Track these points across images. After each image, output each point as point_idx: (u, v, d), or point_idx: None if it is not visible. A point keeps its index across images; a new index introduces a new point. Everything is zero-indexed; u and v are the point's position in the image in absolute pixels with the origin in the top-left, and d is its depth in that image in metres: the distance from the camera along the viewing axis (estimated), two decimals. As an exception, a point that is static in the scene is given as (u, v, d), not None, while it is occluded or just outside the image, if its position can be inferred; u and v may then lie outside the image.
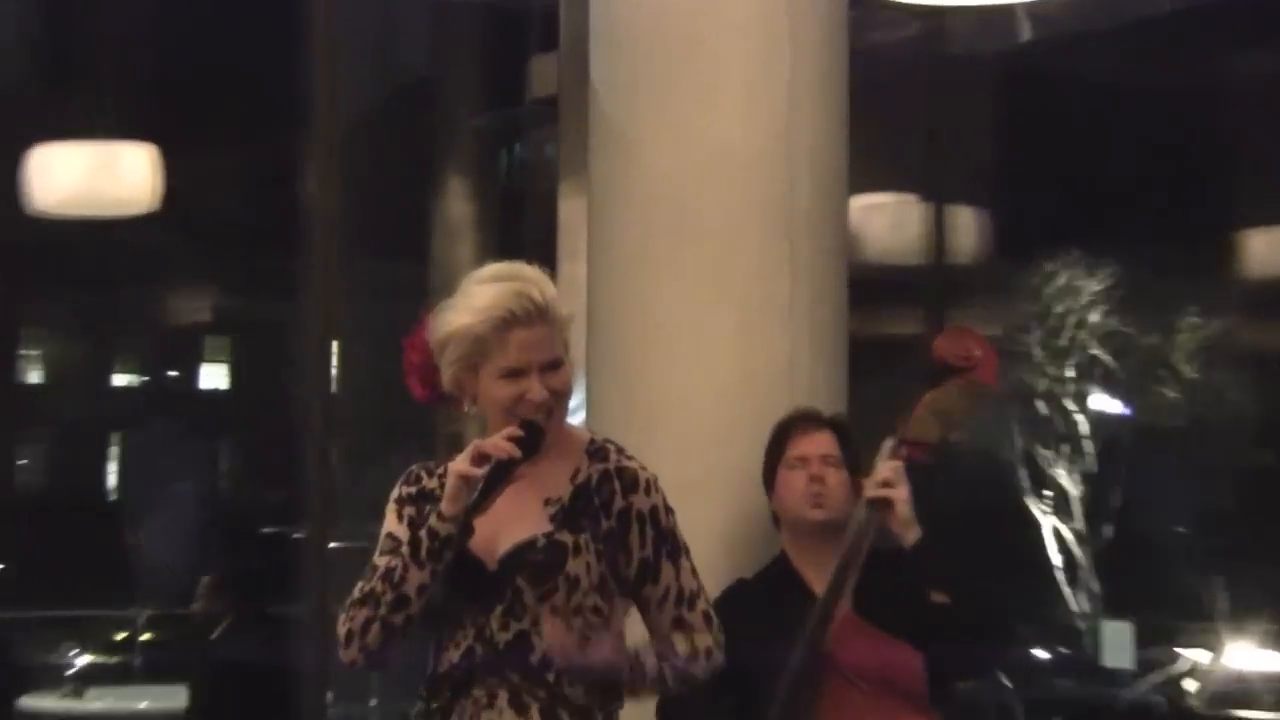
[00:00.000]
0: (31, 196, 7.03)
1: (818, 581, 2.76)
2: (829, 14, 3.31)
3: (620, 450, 2.27)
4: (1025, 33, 6.97)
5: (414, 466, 2.32)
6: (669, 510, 2.26)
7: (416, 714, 2.23)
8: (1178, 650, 10.24)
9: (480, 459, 2.14)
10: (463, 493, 2.14)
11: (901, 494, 2.68)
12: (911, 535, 2.69)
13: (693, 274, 3.19)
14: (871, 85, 3.71)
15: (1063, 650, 11.28)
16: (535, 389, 2.18)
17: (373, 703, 7.20)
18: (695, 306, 3.18)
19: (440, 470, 2.27)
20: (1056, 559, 13.10)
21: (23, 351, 18.05)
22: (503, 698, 2.16)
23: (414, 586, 2.14)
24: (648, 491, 2.23)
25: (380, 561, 2.20)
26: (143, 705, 7.13)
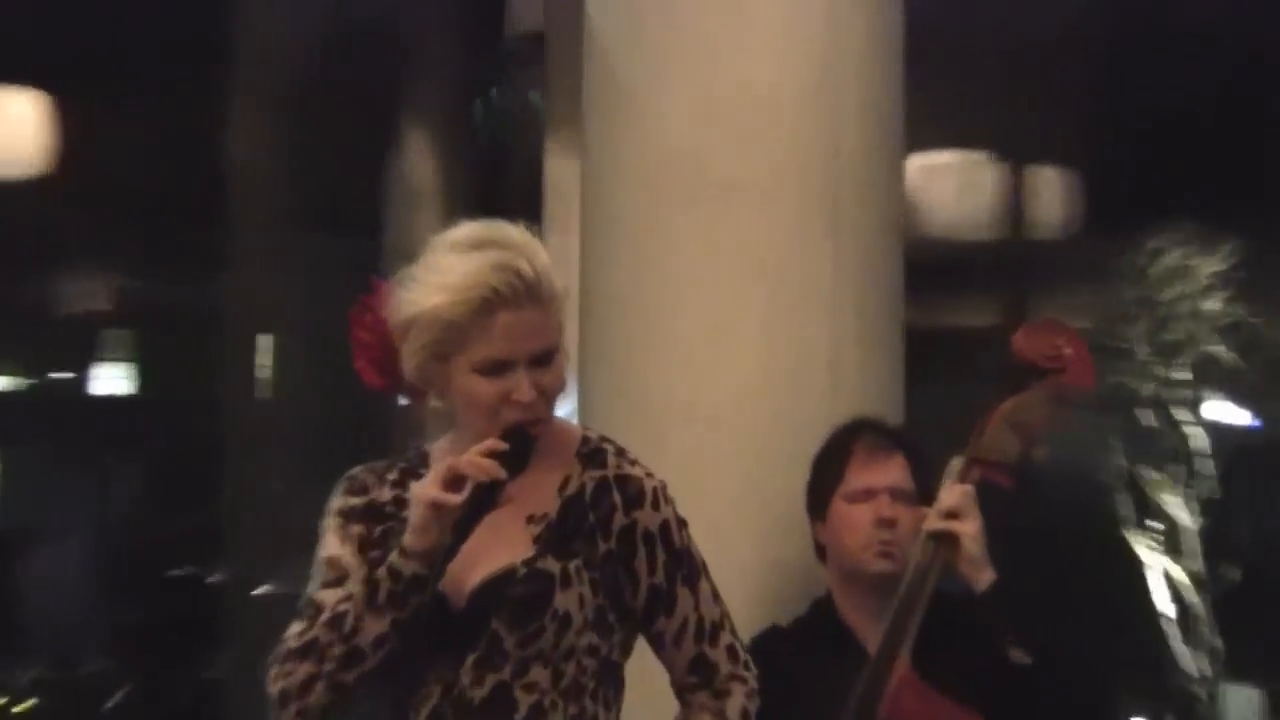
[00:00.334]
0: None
1: (870, 633, 2.77)
2: (880, -69, 3.34)
3: (620, 452, 2.27)
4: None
5: (356, 470, 2.29)
6: (682, 523, 2.26)
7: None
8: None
9: (455, 482, 2.10)
10: (434, 525, 2.09)
11: (971, 527, 2.70)
12: (983, 577, 2.71)
13: (712, 251, 3.21)
14: (933, 21, 3.72)
15: (1174, 724, 11.27)
16: (523, 388, 2.14)
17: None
18: (715, 291, 3.20)
19: (393, 475, 2.26)
20: (1167, 608, 13.06)
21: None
22: None
23: (370, 639, 2.11)
24: (656, 504, 2.23)
25: (323, 598, 2.18)
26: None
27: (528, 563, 2.18)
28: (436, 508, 2.10)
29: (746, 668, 2.26)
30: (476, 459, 2.11)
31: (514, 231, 2.18)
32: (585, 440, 2.27)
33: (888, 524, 2.83)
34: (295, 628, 2.18)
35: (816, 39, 3.23)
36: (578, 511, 2.21)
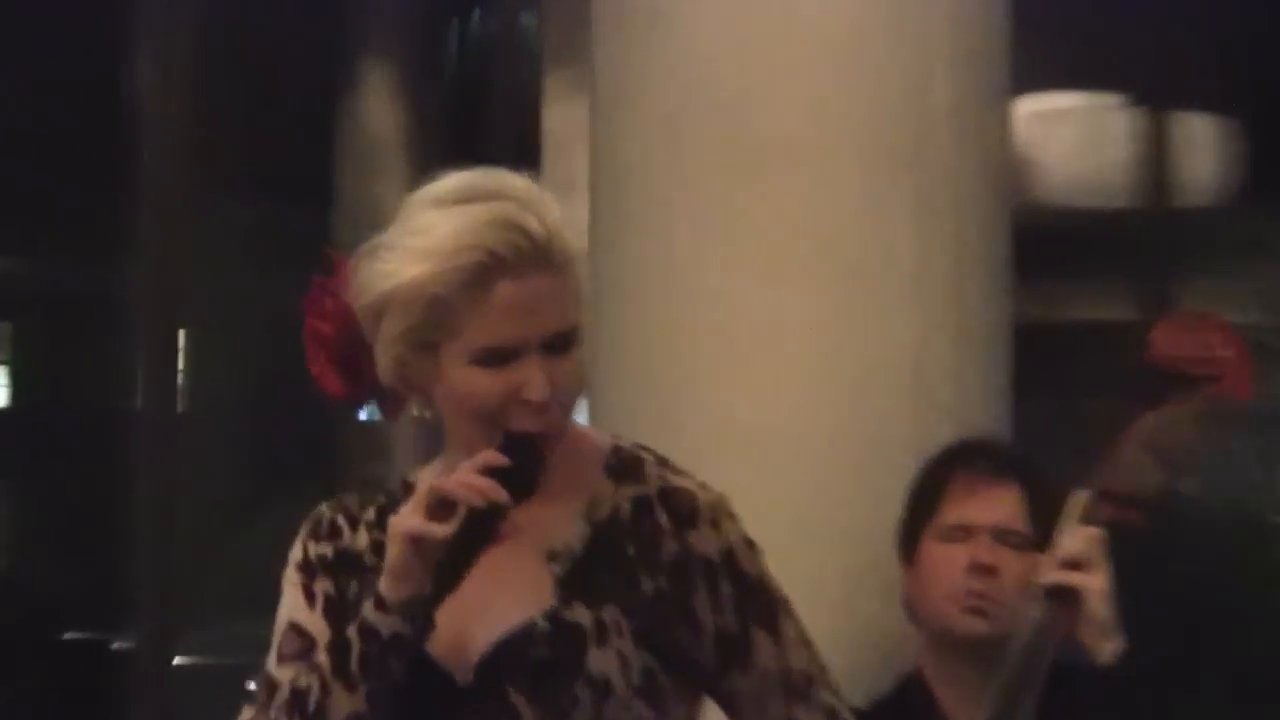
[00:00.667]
0: None
1: (966, 715, 2.79)
2: None
3: (663, 461, 2.25)
4: None
5: (324, 507, 2.28)
6: (752, 546, 2.23)
7: None
8: None
9: (441, 508, 2.07)
10: (415, 566, 2.08)
11: (1099, 582, 2.70)
12: (1108, 647, 2.71)
13: (759, 225, 3.22)
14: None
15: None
16: (536, 382, 2.11)
17: None
18: (765, 276, 3.21)
19: (369, 514, 2.25)
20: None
21: None
22: None
23: (341, 718, 2.12)
24: (715, 522, 2.20)
25: (281, 675, 2.17)
26: None
27: (550, 615, 2.15)
28: (418, 543, 2.07)
29: None
30: (468, 478, 2.08)
31: (515, 180, 2.15)
32: (616, 450, 2.25)
33: (984, 572, 2.84)
34: (245, 715, 2.18)
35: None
36: (612, 541, 2.18)
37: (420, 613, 2.09)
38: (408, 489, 2.24)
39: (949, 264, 3.24)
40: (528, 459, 2.11)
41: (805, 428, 3.16)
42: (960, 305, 3.25)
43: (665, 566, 2.18)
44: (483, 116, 8.95)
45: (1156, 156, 7.09)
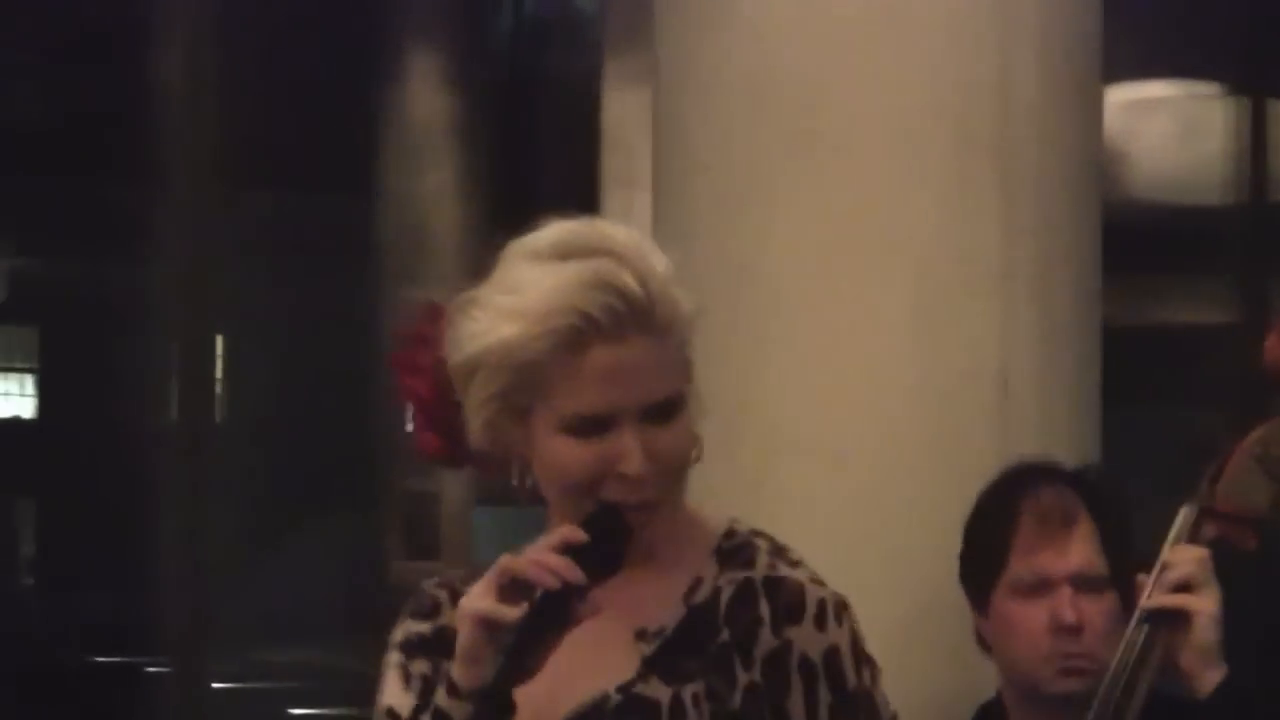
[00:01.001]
0: None
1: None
2: None
3: (778, 550, 2.23)
4: None
5: (427, 584, 2.27)
6: (864, 660, 2.20)
7: None
8: None
9: (513, 588, 2.05)
10: (485, 649, 2.05)
11: (1209, 604, 2.68)
12: (1211, 676, 2.69)
13: (832, 221, 3.21)
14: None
15: None
16: (632, 455, 2.10)
17: None
18: (838, 276, 3.21)
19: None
20: None
21: None
22: None
23: None
24: (821, 620, 2.17)
25: None
26: None
27: (624, 688, 2.16)
28: (488, 625, 2.05)
29: None
30: (542, 556, 2.06)
31: (618, 233, 2.15)
32: (731, 534, 2.24)
33: (1071, 632, 2.82)
34: None
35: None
36: (707, 624, 2.17)
37: (496, 697, 2.06)
38: None
39: (1035, 264, 3.24)
40: (613, 534, 2.10)
41: (883, 445, 3.16)
42: (1047, 309, 3.25)
43: (762, 659, 2.16)
44: (537, 105, 8.94)
45: (1254, 149, 7.05)
